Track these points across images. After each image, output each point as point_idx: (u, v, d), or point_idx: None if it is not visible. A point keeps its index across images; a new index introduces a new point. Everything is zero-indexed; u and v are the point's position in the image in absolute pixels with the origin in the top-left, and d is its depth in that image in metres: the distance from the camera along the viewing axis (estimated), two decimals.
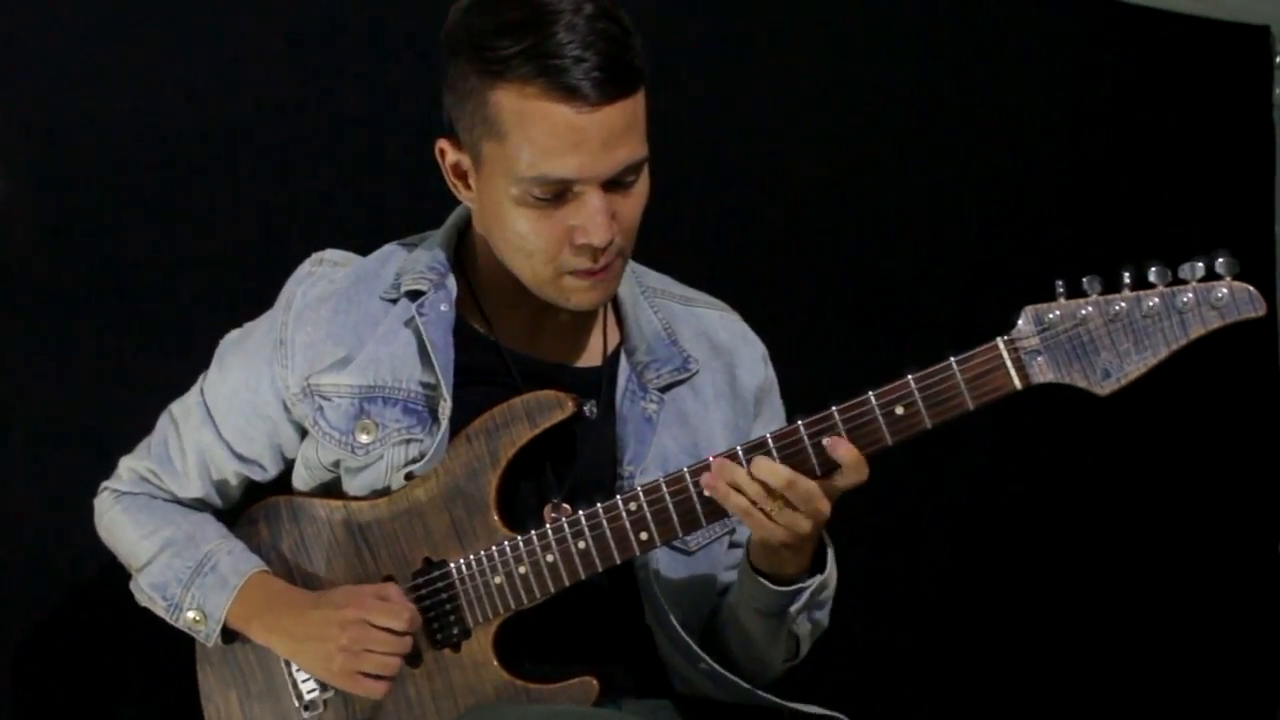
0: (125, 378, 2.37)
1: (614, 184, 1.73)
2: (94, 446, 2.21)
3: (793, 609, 1.84)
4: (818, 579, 1.83)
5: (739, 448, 1.74)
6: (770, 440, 1.73)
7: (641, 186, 1.77)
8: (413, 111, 2.51)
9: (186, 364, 2.03)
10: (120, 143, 2.38)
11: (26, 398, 2.34)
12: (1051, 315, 1.68)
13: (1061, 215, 3.34)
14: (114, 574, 2.02)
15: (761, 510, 1.71)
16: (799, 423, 1.74)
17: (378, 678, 1.81)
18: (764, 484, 1.70)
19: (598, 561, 1.79)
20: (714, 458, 1.74)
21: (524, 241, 1.75)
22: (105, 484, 2.02)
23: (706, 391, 1.94)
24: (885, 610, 3.10)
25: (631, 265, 1.95)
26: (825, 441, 1.70)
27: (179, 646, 1.99)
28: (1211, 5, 3.52)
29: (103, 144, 2.37)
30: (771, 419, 1.99)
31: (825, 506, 1.73)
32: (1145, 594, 3.44)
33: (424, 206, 1.99)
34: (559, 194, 1.72)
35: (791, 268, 3.00)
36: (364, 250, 1.96)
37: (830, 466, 1.72)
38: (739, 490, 1.71)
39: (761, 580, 1.83)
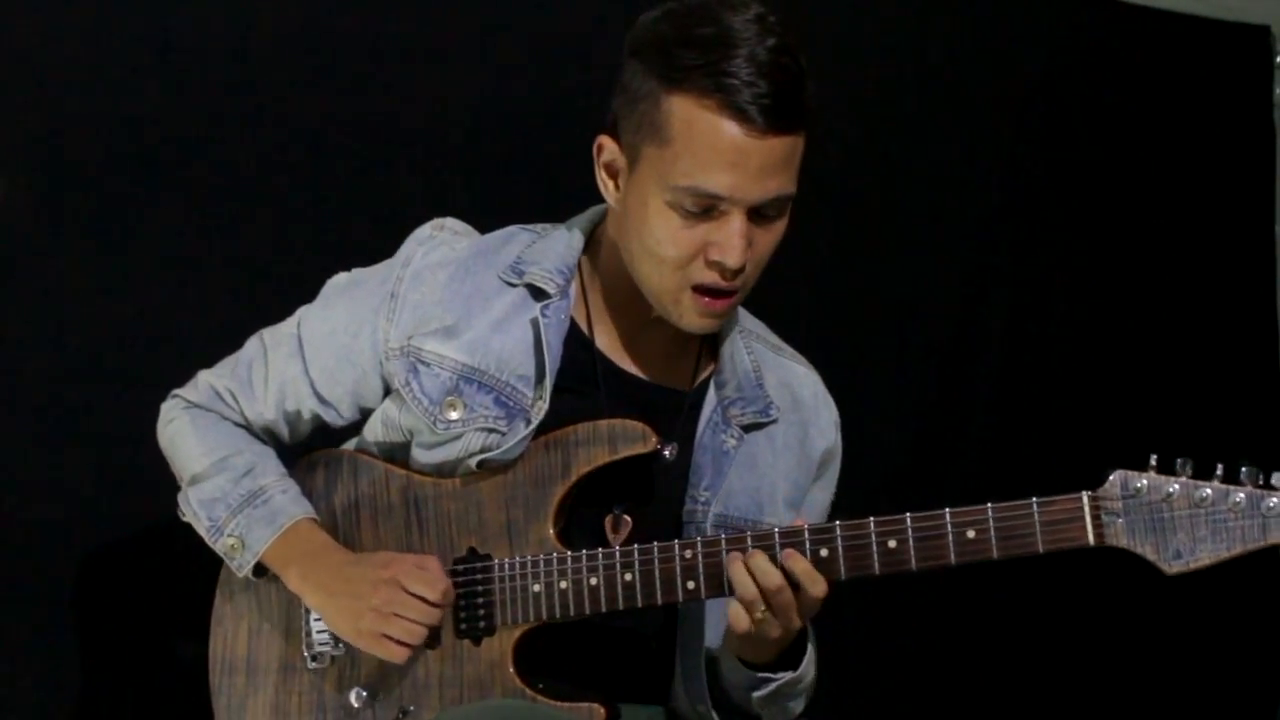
0: (125, 377, 2.37)
1: (758, 213, 1.77)
2: (94, 446, 2.27)
3: (756, 694, 1.87)
4: (787, 675, 1.85)
5: (803, 529, 1.78)
6: (839, 530, 1.77)
7: (781, 224, 1.81)
8: (418, 112, 2.59)
9: (186, 363, 2.05)
10: (120, 143, 2.40)
11: (26, 397, 2.34)
12: (1139, 484, 1.72)
13: (1060, 215, 3.35)
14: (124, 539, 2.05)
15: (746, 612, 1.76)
16: (870, 521, 1.77)
17: (401, 643, 1.83)
18: (757, 583, 1.74)
19: (639, 597, 1.81)
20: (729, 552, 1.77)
21: (659, 247, 1.78)
22: (177, 391, 2.03)
23: (778, 441, 1.96)
24: (882, 611, 3.09)
25: None
26: (780, 555, 1.75)
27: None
28: (1212, 5, 3.52)
29: (103, 144, 2.38)
30: (828, 485, 2.02)
31: (796, 622, 1.77)
32: (1145, 593, 3.27)
33: (424, 206, 2.03)
34: (706, 209, 1.75)
35: (784, 279, 2.99)
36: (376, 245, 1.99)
37: (891, 569, 1.76)
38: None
39: (733, 656, 1.86)
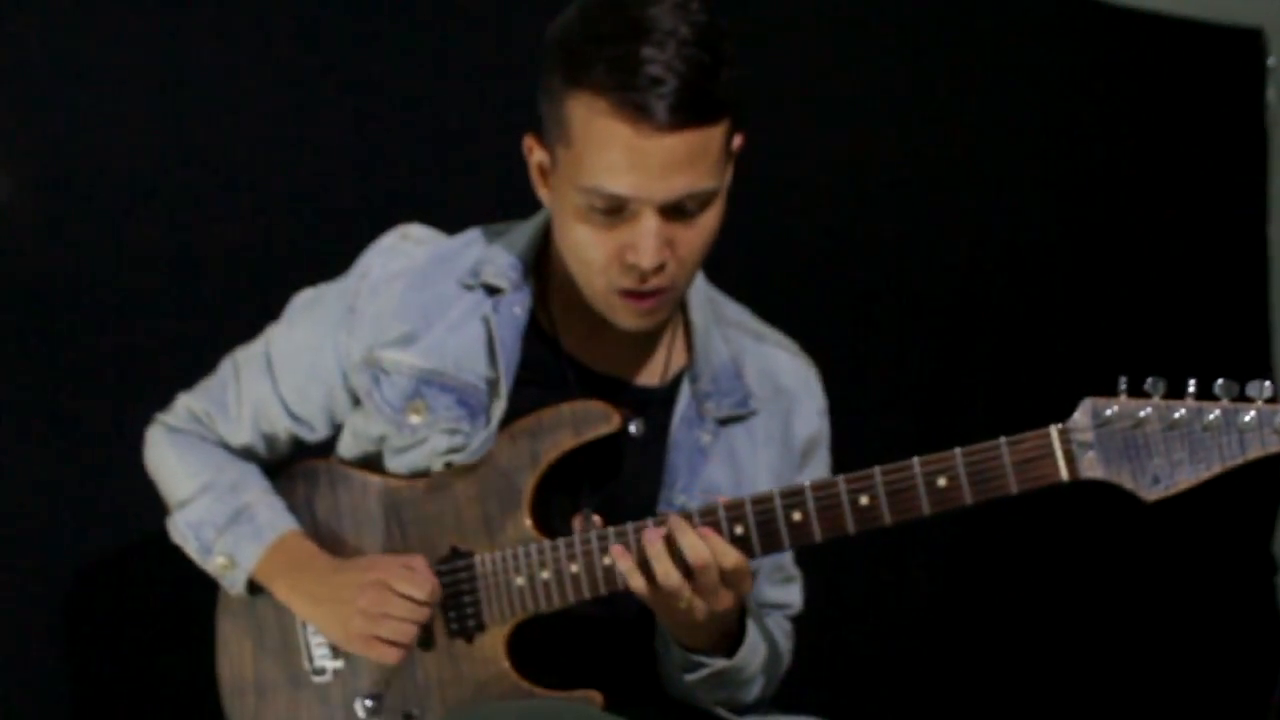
0: (126, 378, 2.38)
1: (675, 211, 1.71)
2: (94, 446, 2.27)
3: (689, 677, 1.83)
4: (721, 662, 1.82)
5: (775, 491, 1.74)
6: (809, 491, 1.73)
7: (708, 220, 1.74)
8: (422, 110, 2.57)
9: (188, 363, 2.06)
10: (120, 143, 2.40)
11: (27, 398, 2.35)
12: (1109, 411, 1.65)
13: (1053, 219, 3.34)
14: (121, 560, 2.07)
15: (665, 595, 1.73)
16: (839, 479, 1.73)
17: (392, 643, 1.83)
18: (682, 564, 1.71)
19: (620, 580, 1.78)
20: (651, 525, 1.74)
21: (580, 251, 1.75)
22: (159, 415, 2.04)
23: (759, 433, 1.92)
24: (881, 614, 3.11)
25: (711, 293, 1.95)
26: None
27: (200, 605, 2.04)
28: (1204, 7, 3.50)
29: (103, 144, 2.38)
30: (816, 473, 1.95)
31: (728, 601, 1.74)
32: (1141, 594, 3.43)
33: (440, 207, 2.02)
34: (616, 209, 1.70)
35: (782, 272, 2.98)
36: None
37: (866, 525, 1.72)
38: (650, 569, 1.72)
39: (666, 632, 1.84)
